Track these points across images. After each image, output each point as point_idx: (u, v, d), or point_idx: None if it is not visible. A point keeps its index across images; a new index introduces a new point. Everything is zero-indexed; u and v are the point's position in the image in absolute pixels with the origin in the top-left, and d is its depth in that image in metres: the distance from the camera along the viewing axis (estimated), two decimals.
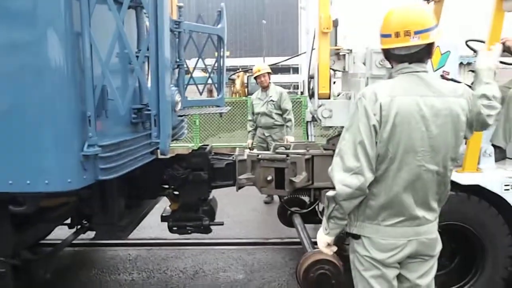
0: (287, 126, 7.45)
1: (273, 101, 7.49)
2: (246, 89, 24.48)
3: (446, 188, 2.45)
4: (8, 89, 2.76)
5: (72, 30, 2.77)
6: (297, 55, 17.26)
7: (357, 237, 2.46)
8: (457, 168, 4.01)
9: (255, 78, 7.76)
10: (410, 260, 2.43)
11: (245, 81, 24.84)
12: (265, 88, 7.61)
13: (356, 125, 2.27)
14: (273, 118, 7.54)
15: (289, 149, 4.41)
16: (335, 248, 2.60)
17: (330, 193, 2.36)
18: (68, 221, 4.86)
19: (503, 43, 4.16)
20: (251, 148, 7.66)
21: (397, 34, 2.32)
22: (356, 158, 2.24)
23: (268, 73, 7.57)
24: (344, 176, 2.27)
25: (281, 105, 7.47)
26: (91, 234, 4.46)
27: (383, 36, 2.41)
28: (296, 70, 31.40)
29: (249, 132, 8.07)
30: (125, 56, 3.19)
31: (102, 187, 3.91)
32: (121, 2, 2.99)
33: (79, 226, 4.97)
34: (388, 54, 2.43)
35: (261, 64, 7.96)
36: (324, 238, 2.53)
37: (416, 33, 2.29)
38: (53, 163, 2.82)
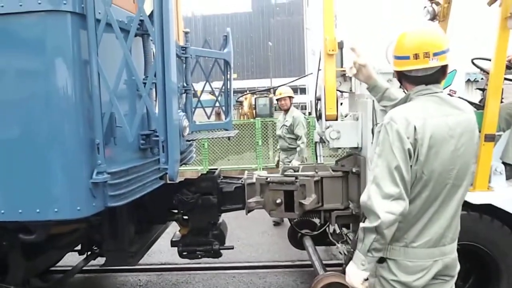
0: (298, 151, 7.49)
1: (286, 125, 7.59)
2: (254, 111, 24.53)
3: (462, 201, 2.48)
4: (18, 117, 2.80)
5: (80, 58, 2.81)
6: (304, 76, 17.33)
7: (382, 260, 2.40)
8: (469, 187, 3.96)
9: (277, 100, 7.94)
10: (432, 281, 2.39)
11: (253, 103, 24.91)
12: (285, 111, 7.76)
13: (389, 150, 2.24)
14: (286, 142, 7.63)
15: (298, 171, 4.40)
16: (367, 284, 2.41)
17: (367, 224, 2.26)
18: (79, 247, 4.86)
19: (509, 61, 4.18)
20: (276, 165, 8.22)
21: (416, 56, 2.33)
22: (395, 184, 2.21)
23: (290, 97, 7.71)
24: (386, 203, 2.21)
25: (294, 130, 7.54)
26: (101, 260, 4.45)
27: (400, 58, 2.42)
28: (303, 90, 31.51)
29: (277, 150, 8.47)
30: (132, 83, 3.22)
31: (112, 213, 3.92)
32: (128, 30, 3.04)
33: (89, 252, 4.96)
34: (403, 76, 2.45)
35: (283, 88, 8.14)
36: (360, 274, 2.33)
37: (435, 54, 2.31)
38: (62, 191, 2.83)
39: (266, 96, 26.34)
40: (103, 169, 2.87)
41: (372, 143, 3.68)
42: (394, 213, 2.20)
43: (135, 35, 3.08)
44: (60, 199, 2.83)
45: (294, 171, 4.39)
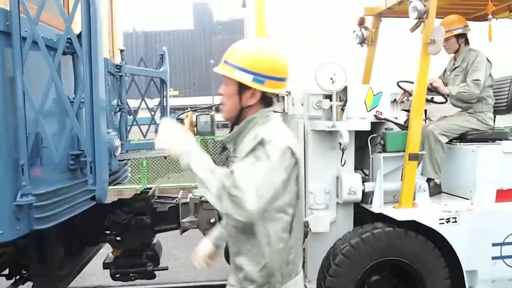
0: None
1: None
2: (195, 129, 24.47)
3: None
4: None
5: (4, 77, 2.73)
6: None
7: None
8: (395, 204, 4.15)
9: None
10: None
11: (194, 120, 24.85)
12: None
13: (268, 166, 1.97)
14: None
15: None
16: None
17: None
18: (6, 271, 4.64)
19: (430, 84, 4.43)
20: None
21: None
22: (258, 199, 1.93)
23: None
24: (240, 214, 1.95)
25: None
26: (30, 284, 4.27)
27: (281, 79, 2.17)
28: None
29: None
30: (61, 102, 3.16)
31: (40, 235, 3.78)
32: (56, 48, 2.99)
33: (17, 277, 4.75)
34: (264, 98, 2.20)
35: None
36: None
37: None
38: None
39: (207, 114, 26.39)
40: (28, 191, 2.77)
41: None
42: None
43: (64, 53, 3.03)
44: None
45: None
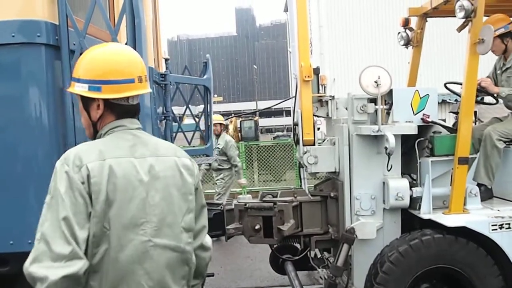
0: (235, 171, 8.48)
1: (219, 148, 8.38)
2: (239, 134, 24.65)
3: (191, 269, 1.96)
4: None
5: (54, 88, 2.85)
6: (288, 99, 17.46)
7: None
8: (444, 210, 4.03)
9: None
10: None
11: (238, 126, 25.04)
12: (216, 136, 8.62)
13: (58, 198, 1.70)
14: (217, 162, 8.39)
15: (276, 196, 4.42)
16: None
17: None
18: None
19: (479, 84, 4.29)
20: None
21: (140, 79, 1.92)
22: (66, 240, 1.65)
23: (221, 124, 8.77)
24: (58, 266, 1.62)
25: (227, 152, 8.43)
26: None
27: (121, 82, 1.88)
28: (288, 113, 31.77)
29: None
30: None
31: None
32: None
33: None
34: (112, 107, 1.92)
35: (214, 115, 9.27)
36: None
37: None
38: None
39: (251, 119, 26.51)
40: None
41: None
42: (68, 275, 1.62)
43: None
44: None
45: (273, 197, 4.42)
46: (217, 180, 8.43)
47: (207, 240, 2.11)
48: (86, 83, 1.86)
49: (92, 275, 1.73)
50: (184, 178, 1.93)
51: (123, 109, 1.92)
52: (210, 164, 8.52)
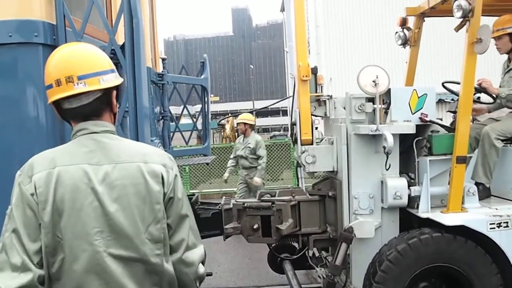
0: (257, 169, 8.52)
1: (250, 147, 8.51)
2: (236, 134, 24.61)
3: (162, 278, 1.83)
4: None
5: None
6: (285, 99, 17.46)
7: None
8: (443, 209, 4.03)
9: (237, 124, 9.05)
10: None
11: (235, 125, 24.98)
12: (244, 134, 8.78)
13: (13, 209, 1.71)
14: (248, 161, 8.56)
15: (274, 196, 4.42)
16: None
17: None
18: None
19: (479, 84, 4.30)
20: (226, 181, 9.26)
21: (58, 82, 1.78)
22: (17, 252, 1.66)
23: (244, 123, 8.72)
24: (15, 276, 1.64)
25: (256, 152, 8.52)
26: None
27: (48, 87, 1.81)
28: (285, 112, 31.77)
29: (227, 167, 9.24)
30: None
31: None
32: None
33: None
34: (63, 112, 1.83)
35: (243, 114, 9.35)
36: None
37: (80, 78, 1.78)
38: None
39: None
40: None
41: None
42: (21, 286, 1.63)
43: None
44: None
45: (271, 196, 4.42)
46: (250, 179, 8.42)
47: (190, 255, 1.89)
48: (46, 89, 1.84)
49: (54, 283, 1.71)
50: (149, 187, 1.78)
51: (72, 113, 1.82)
52: (237, 162, 8.75)
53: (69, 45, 2.01)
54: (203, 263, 1.95)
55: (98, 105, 1.83)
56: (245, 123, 8.71)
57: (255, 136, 8.81)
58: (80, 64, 1.79)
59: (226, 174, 9.18)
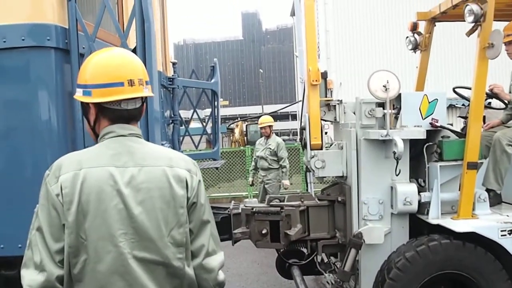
0: (282, 172, 8.57)
1: (270, 149, 8.60)
2: (245, 138, 24.62)
3: (183, 282, 1.84)
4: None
5: (63, 91, 2.87)
6: (294, 103, 17.44)
7: None
8: (453, 215, 4.00)
9: (260, 128, 9.23)
10: None
11: (244, 129, 25.00)
12: (266, 137, 8.86)
13: (40, 207, 1.76)
14: (267, 162, 8.63)
15: (283, 201, 4.41)
16: None
17: None
18: None
19: (491, 90, 4.27)
20: (251, 184, 9.59)
21: (131, 82, 1.81)
22: (39, 250, 1.70)
23: (269, 126, 8.84)
24: (34, 274, 1.69)
25: (278, 153, 8.58)
26: None
27: (108, 85, 1.80)
28: (294, 116, 31.74)
29: (250, 170, 9.53)
30: None
31: None
32: None
33: None
34: (106, 112, 1.84)
35: (265, 117, 9.47)
36: None
37: (147, 83, 1.88)
38: None
39: (257, 123, 26.47)
40: None
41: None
42: (42, 282, 1.68)
43: None
44: None
45: (280, 201, 4.40)
46: (267, 180, 8.55)
47: (210, 261, 1.92)
48: (81, 88, 1.84)
49: (76, 284, 1.73)
50: (174, 191, 1.80)
51: (115, 114, 1.83)
52: (256, 164, 8.86)
53: (119, 49, 2.07)
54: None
55: (141, 111, 1.91)
56: (269, 126, 8.83)
57: (276, 138, 8.96)
58: (143, 70, 1.88)
59: (250, 179, 9.53)
